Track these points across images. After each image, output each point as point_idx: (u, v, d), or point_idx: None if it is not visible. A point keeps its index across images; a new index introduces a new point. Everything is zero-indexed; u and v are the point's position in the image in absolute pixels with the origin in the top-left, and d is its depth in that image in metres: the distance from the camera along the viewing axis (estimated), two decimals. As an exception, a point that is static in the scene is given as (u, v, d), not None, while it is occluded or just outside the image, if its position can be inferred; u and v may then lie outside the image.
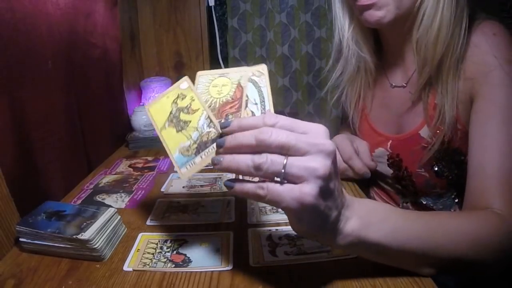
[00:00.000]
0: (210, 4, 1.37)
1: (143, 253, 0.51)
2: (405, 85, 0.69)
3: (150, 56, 1.38)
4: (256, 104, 0.45)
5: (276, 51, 1.48)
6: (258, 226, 0.58)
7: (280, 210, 0.62)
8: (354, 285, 0.44)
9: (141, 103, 1.25)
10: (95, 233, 0.50)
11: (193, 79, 0.47)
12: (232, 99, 0.45)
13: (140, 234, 0.56)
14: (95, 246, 0.49)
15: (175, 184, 0.76)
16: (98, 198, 0.69)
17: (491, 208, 0.50)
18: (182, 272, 0.47)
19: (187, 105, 0.45)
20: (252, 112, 0.44)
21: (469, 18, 0.58)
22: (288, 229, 0.56)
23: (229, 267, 0.47)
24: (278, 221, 0.59)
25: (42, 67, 0.67)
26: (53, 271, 0.48)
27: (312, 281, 0.45)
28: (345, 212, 0.39)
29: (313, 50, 1.49)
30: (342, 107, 0.84)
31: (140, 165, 0.88)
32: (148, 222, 0.60)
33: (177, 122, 0.44)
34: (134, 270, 0.48)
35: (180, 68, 1.39)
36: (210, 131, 0.43)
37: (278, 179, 0.35)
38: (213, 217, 0.61)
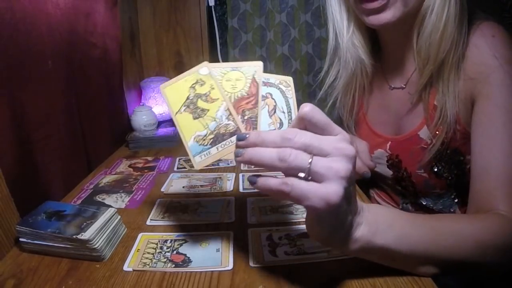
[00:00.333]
0: (210, 4, 1.37)
1: (143, 253, 0.51)
2: (404, 86, 0.69)
3: (150, 56, 1.38)
4: (283, 112, 0.44)
5: (276, 51, 1.48)
6: (258, 226, 0.58)
7: (280, 210, 0.63)
8: (354, 285, 0.44)
9: (141, 103, 1.25)
10: (95, 233, 0.50)
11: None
12: (248, 94, 0.44)
13: (140, 234, 0.56)
14: (95, 246, 0.49)
15: (175, 184, 0.76)
16: (98, 198, 0.69)
17: (496, 210, 0.50)
18: (182, 272, 0.47)
19: (206, 93, 0.43)
20: (280, 119, 0.44)
21: (469, 17, 0.58)
22: (288, 229, 0.56)
23: (229, 267, 0.47)
24: (278, 221, 0.59)
25: (42, 67, 0.67)
26: (53, 271, 0.48)
27: (312, 281, 0.45)
28: (356, 218, 0.39)
29: (313, 50, 1.49)
30: (337, 112, 0.84)
31: (140, 165, 0.88)
32: (148, 222, 0.60)
33: (194, 108, 0.43)
34: (134, 270, 0.48)
35: (180, 68, 1.39)
36: (228, 124, 0.42)
37: (302, 176, 0.34)
38: (213, 217, 0.61)
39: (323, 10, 1.30)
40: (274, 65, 1.48)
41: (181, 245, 0.53)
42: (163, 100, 0.45)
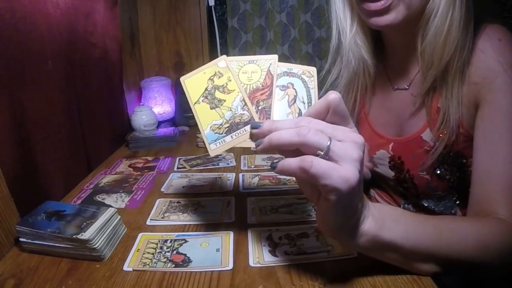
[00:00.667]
0: (210, 4, 1.37)
1: (143, 253, 0.51)
2: (407, 87, 0.69)
3: (150, 56, 1.38)
4: (303, 103, 0.45)
5: (276, 51, 1.48)
6: (258, 226, 0.58)
7: (280, 210, 0.63)
8: (354, 285, 0.44)
9: (141, 103, 1.25)
10: (95, 233, 0.50)
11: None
12: (262, 86, 0.45)
13: (140, 234, 0.56)
14: (95, 246, 0.49)
15: (175, 184, 0.76)
16: (98, 198, 0.69)
17: (495, 214, 0.50)
18: (182, 272, 0.47)
19: (223, 84, 0.45)
20: (300, 109, 0.45)
21: (475, 21, 0.57)
22: (288, 229, 0.56)
23: (229, 267, 0.47)
24: (278, 221, 0.59)
25: (42, 67, 0.67)
26: (53, 271, 0.48)
27: (312, 281, 0.45)
28: (364, 211, 0.40)
29: (313, 50, 1.49)
30: None
31: (140, 165, 0.88)
32: (148, 222, 0.60)
33: (211, 99, 0.45)
34: (134, 270, 0.48)
35: (180, 68, 1.39)
36: (243, 114, 0.44)
37: (321, 153, 0.35)
38: (213, 217, 0.61)
39: (324, 10, 1.30)
40: (274, 65, 1.48)
41: (181, 245, 0.53)
42: (184, 90, 0.47)
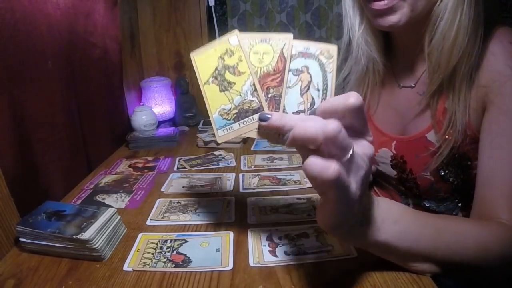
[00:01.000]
0: (210, 4, 1.37)
1: (143, 253, 0.51)
2: (413, 85, 0.68)
3: (150, 56, 1.38)
4: (318, 90, 0.41)
5: (276, 51, 1.48)
6: (258, 226, 0.58)
7: (280, 210, 0.63)
8: (354, 285, 0.44)
9: (141, 103, 1.25)
10: (95, 233, 0.50)
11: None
12: (274, 70, 0.41)
13: (140, 234, 0.56)
14: (95, 246, 0.49)
15: (175, 184, 0.76)
16: (98, 198, 0.69)
17: (498, 218, 0.50)
18: (182, 272, 0.47)
19: (234, 65, 0.42)
20: (313, 98, 0.41)
21: (485, 23, 0.56)
22: (288, 229, 0.56)
23: (229, 267, 0.47)
24: (278, 221, 0.59)
25: (42, 67, 0.67)
26: (53, 271, 0.48)
27: (312, 281, 0.45)
28: (365, 213, 0.40)
29: (313, 50, 1.49)
30: None
31: (140, 165, 0.88)
32: (148, 222, 0.60)
33: (221, 80, 0.42)
34: (134, 270, 0.48)
35: (180, 68, 1.39)
36: (252, 101, 0.41)
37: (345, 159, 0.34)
38: (213, 217, 0.61)
39: (324, 10, 1.28)
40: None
41: (181, 245, 0.53)
42: (194, 68, 0.44)
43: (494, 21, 0.58)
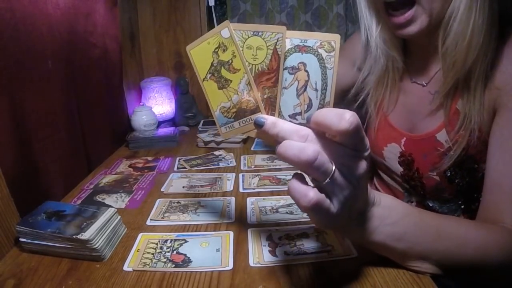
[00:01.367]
0: (210, 4, 1.37)
1: (143, 253, 0.51)
2: (425, 84, 0.68)
3: (150, 56, 1.38)
4: (316, 90, 0.38)
5: (276, 51, 1.47)
6: (258, 226, 0.58)
7: (280, 210, 0.63)
8: (354, 285, 0.44)
9: (141, 103, 1.25)
10: (95, 233, 0.50)
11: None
12: (268, 69, 0.38)
13: (140, 234, 0.56)
14: (95, 246, 0.49)
15: (175, 184, 0.76)
16: (98, 198, 0.69)
17: (502, 223, 0.50)
18: (182, 272, 0.47)
19: (229, 61, 0.40)
20: (310, 99, 0.38)
21: (502, 24, 0.56)
22: (288, 229, 0.56)
23: (229, 267, 0.47)
24: (278, 221, 0.59)
25: (42, 67, 0.67)
26: (53, 271, 0.48)
27: (312, 281, 0.45)
28: (363, 213, 0.40)
29: (313, 50, 1.49)
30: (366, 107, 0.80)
31: (140, 165, 0.88)
32: (148, 222, 0.60)
33: (218, 77, 0.41)
34: (134, 270, 0.48)
35: (180, 68, 1.39)
36: (249, 100, 0.39)
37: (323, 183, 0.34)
38: (213, 217, 0.61)
39: (324, 10, 1.28)
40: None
41: (181, 245, 0.53)
42: (191, 63, 0.43)
43: (509, 21, 0.57)
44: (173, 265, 0.48)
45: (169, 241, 0.54)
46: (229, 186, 0.74)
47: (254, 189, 0.72)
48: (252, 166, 0.85)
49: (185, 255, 0.50)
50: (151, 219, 0.61)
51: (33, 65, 0.63)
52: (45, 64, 0.67)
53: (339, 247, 0.51)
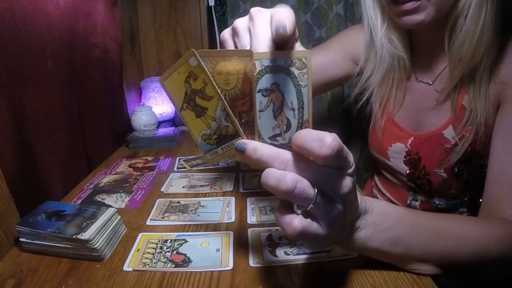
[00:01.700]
0: (210, 4, 1.37)
1: (143, 253, 0.51)
2: (431, 82, 0.68)
3: (150, 56, 1.38)
4: (293, 110, 0.37)
5: (276, 51, 1.47)
6: (258, 226, 0.58)
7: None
8: (354, 285, 0.44)
9: (141, 103, 1.25)
10: (95, 233, 0.50)
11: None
12: (242, 94, 0.37)
13: (140, 234, 0.56)
14: (95, 246, 0.49)
15: (175, 184, 0.76)
16: (98, 198, 0.69)
17: (504, 215, 0.50)
18: (182, 272, 0.47)
19: (201, 89, 0.38)
20: (288, 119, 0.37)
21: (507, 18, 0.56)
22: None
23: (229, 267, 0.47)
24: (278, 221, 0.59)
25: (42, 67, 0.67)
26: (53, 271, 0.48)
27: (312, 281, 0.45)
28: (356, 222, 0.39)
29: (313, 50, 1.49)
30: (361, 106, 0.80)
31: (140, 165, 0.88)
32: (148, 222, 0.60)
33: (194, 105, 0.39)
34: (134, 270, 0.48)
35: (180, 68, 1.39)
36: (228, 126, 0.38)
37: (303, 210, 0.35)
38: (213, 217, 0.61)
39: (324, 10, 1.28)
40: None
41: (181, 245, 0.53)
42: (166, 94, 0.42)
43: None
44: (173, 265, 0.48)
45: (169, 241, 0.54)
46: (229, 186, 0.74)
47: (254, 189, 0.72)
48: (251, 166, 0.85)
49: (185, 255, 0.50)
50: (151, 219, 0.61)
51: (33, 65, 0.63)
52: (45, 64, 0.67)
53: (339, 248, 0.51)
